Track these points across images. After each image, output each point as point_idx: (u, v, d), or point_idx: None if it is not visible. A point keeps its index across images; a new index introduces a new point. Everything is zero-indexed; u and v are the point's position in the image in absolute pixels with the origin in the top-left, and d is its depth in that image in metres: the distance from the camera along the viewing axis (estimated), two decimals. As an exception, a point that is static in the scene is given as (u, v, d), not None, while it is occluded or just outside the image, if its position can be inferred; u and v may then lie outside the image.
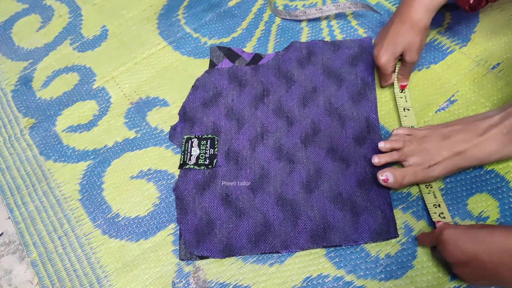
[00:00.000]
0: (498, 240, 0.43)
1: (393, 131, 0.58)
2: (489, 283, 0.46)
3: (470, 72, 0.63)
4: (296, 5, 0.76)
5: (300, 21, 0.74)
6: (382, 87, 0.64)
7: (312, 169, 0.59)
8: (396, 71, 0.62)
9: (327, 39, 0.71)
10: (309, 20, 0.74)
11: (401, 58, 0.61)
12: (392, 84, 0.64)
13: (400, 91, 0.62)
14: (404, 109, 0.61)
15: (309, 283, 0.53)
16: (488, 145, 0.51)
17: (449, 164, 0.53)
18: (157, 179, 0.63)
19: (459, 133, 0.53)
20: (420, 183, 0.55)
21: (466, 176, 0.56)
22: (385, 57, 0.60)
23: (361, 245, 0.54)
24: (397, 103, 0.62)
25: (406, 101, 0.62)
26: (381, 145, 0.57)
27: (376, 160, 0.56)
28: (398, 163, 0.57)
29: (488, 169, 0.55)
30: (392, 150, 0.56)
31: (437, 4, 0.56)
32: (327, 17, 0.73)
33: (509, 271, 0.42)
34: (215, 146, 0.62)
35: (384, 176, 0.54)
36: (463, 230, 0.46)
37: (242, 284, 0.54)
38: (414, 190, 0.56)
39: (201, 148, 0.62)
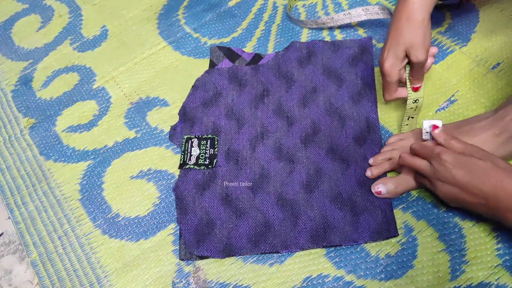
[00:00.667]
0: (491, 183, 0.44)
1: (387, 141, 0.59)
2: (463, 207, 0.49)
3: (470, 72, 0.63)
4: (296, 5, 0.76)
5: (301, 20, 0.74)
6: (386, 100, 0.58)
7: (312, 169, 0.59)
8: (407, 73, 0.56)
9: (327, 39, 0.71)
10: (309, 20, 0.74)
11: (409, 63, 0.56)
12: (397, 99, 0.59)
13: (413, 101, 0.56)
14: (408, 118, 0.58)
15: (309, 283, 0.53)
16: (480, 146, 0.51)
17: None
18: (157, 179, 0.63)
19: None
20: (415, 189, 0.55)
21: (466, 176, 0.56)
22: (388, 60, 0.54)
23: (361, 245, 0.54)
24: (406, 111, 0.58)
25: (415, 110, 0.57)
26: (371, 161, 0.58)
27: (369, 173, 0.57)
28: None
29: (488, 169, 0.55)
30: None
31: None
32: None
33: (488, 209, 0.46)
34: (215, 146, 0.62)
35: (377, 188, 0.55)
36: (462, 158, 0.46)
37: (242, 284, 0.54)
38: (414, 191, 0.56)
39: (201, 148, 0.62)
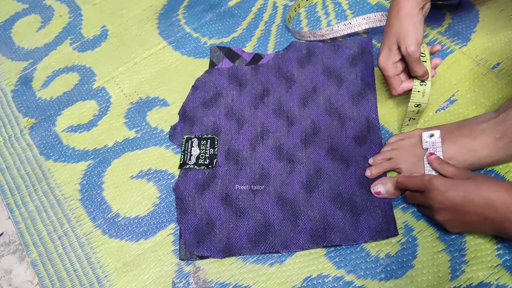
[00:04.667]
0: (484, 194, 0.44)
1: (387, 141, 0.59)
2: (467, 230, 0.50)
3: (470, 71, 0.63)
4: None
5: (300, 20, 0.74)
6: (393, 95, 0.56)
7: (312, 169, 0.59)
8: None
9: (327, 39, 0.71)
10: (309, 20, 0.74)
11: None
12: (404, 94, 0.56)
13: (416, 105, 0.54)
14: (410, 119, 0.56)
15: (309, 283, 0.53)
16: (481, 149, 0.51)
17: None
18: (157, 179, 0.63)
19: (451, 137, 0.53)
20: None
21: (466, 176, 0.56)
22: (382, 54, 0.53)
23: (361, 245, 0.54)
24: (407, 112, 0.55)
25: (417, 113, 0.55)
26: (371, 161, 0.58)
27: (368, 173, 0.57)
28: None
29: (488, 169, 0.55)
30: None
31: None
32: (327, 17, 0.73)
33: (489, 225, 0.45)
34: (215, 146, 0.62)
35: (376, 188, 0.55)
36: (452, 181, 0.47)
37: (242, 284, 0.54)
38: None
39: (201, 148, 0.62)
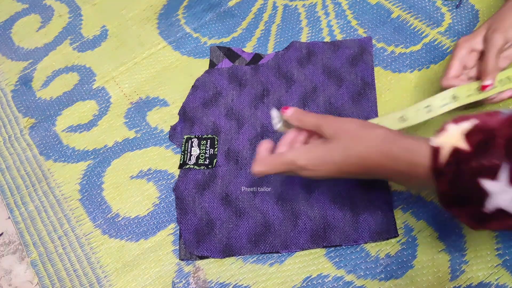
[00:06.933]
0: (339, 160, 0.42)
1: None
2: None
3: (470, 72, 0.63)
4: (296, 5, 0.76)
5: (300, 20, 0.74)
6: (441, 85, 0.51)
7: (312, 169, 0.59)
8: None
9: (327, 39, 0.71)
10: (309, 20, 0.74)
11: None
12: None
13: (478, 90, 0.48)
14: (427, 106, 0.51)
15: (309, 283, 0.53)
16: None
17: None
18: (157, 179, 0.63)
19: None
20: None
21: (466, 176, 0.56)
22: (465, 36, 0.50)
23: (361, 245, 0.54)
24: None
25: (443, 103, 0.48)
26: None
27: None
28: None
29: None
30: None
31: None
32: (326, 17, 0.73)
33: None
34: (215, 146, 0.62)
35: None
36: (314, 149, 0.43)
37: (242, 284, 0.54)
38: (414, 191, 0.56)
39: (201, 148, 0.62)
